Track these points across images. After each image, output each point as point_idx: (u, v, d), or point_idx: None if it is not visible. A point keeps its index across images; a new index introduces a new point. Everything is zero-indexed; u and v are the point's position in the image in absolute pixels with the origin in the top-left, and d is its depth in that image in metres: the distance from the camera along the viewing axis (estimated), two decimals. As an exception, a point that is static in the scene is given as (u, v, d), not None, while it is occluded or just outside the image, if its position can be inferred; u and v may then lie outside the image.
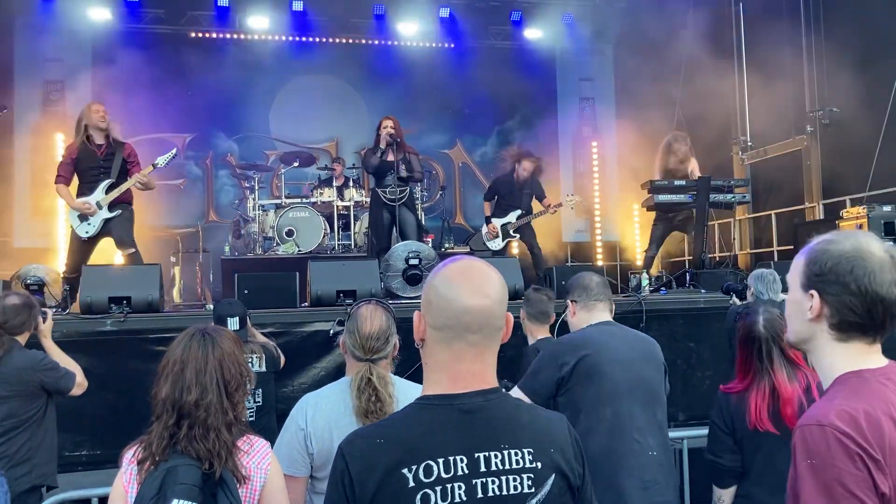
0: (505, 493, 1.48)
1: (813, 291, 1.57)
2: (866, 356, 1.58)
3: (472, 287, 1.54)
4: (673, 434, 4.37)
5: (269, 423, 4.25)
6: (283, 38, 11.78)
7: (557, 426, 1.62)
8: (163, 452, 2.11)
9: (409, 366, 2.78)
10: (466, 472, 1.47)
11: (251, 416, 4.14)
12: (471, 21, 12.10)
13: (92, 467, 4.89)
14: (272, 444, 2.41)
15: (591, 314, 3.19)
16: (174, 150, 6.55)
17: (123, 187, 6.21)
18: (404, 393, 2.48)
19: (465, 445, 1.49)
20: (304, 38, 11.84)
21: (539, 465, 1.52)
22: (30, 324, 3.86)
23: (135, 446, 2.19)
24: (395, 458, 1.47)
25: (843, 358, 1.58)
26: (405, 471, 1.45)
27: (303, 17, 11.60)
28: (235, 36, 11.66)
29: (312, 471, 2.48)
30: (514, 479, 1.49)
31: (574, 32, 12.29)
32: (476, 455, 1.49)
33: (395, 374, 2.64)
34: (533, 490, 1.50)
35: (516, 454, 1.51)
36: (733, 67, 10.93)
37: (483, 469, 1.48)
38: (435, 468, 1.46)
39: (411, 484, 1.45)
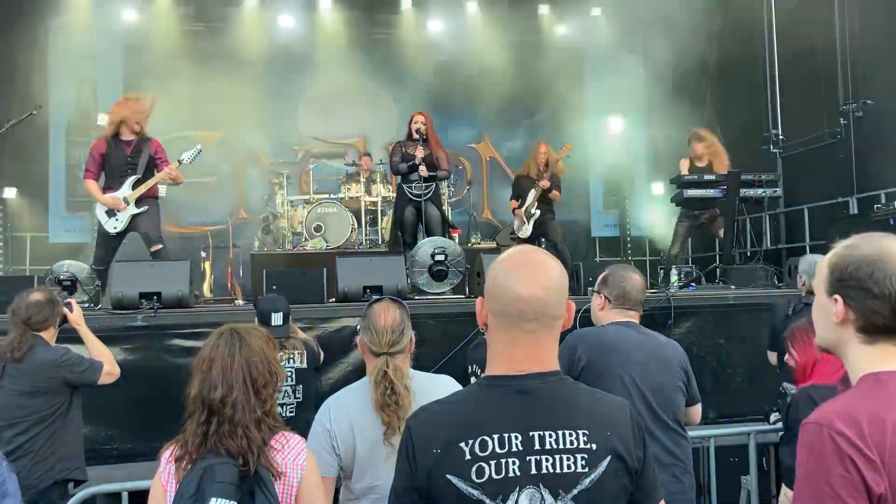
0: (558, 471, 1.54)
1: (837, 297, 1.59)
2: (891, 357, 1.58)
3: (527, 277, 1.60)
4: (700, 433, 4.33)
5: (310, 419, 4.23)
6: (312, 34, 11.83)
7: (618, 411, 1.66)
8: (198, 450, 2.14)
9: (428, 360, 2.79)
10: (521, 448, 1.54)
11: (291, 412, 4.13)
12: (498, 15, 12.03)
13: (123, 461, 4.97)
14: None
15: (619, 314, 3.20)
16: (199, 146, 6.57)
17: (150, 183, 6.24)
18: (421, 386, 2.50)
19: (521, 424, 1.55)
20: (331, 34, 11.88)
21: (594, 446, 1.56)
22: (53, 319, 3.86)
23: (172, 445, 2.22)
24: (453, 432, 1.55)
25: (867, 360, 1.59)
26: (462, 444, 1.53)
27: (330, 13, 11.64)
28: (264, 33, 11.74)
29: (342, 475, 2.49)
30: (568, 459, 1.54)
31: (602, 25, 12.19)
32: (531, 433, 1.55)
33: (414, 367, 2.65)
34: (587, 470, 1.55)
35: (571, 434, 1.56)
36: (764, 60, 10.77)
37: (538, 447, 1.54)
38: (490, 443, 1.53)
39: (467, 457, 1.53)
